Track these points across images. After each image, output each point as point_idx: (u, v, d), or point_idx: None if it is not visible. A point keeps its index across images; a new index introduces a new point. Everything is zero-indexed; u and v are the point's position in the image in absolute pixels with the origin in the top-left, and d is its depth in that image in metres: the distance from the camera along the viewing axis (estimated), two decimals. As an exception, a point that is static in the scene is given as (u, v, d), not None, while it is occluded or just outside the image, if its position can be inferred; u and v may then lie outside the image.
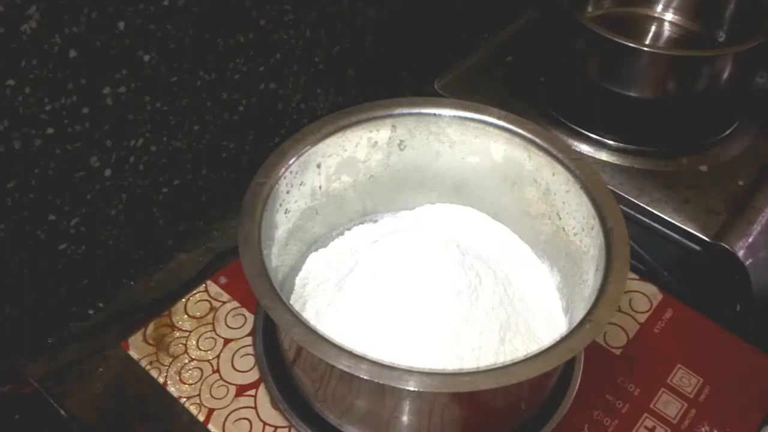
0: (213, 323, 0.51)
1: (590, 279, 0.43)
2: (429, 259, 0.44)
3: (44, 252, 0.48)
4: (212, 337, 0.51)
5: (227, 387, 0.48)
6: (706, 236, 0.56)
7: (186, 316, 0.52)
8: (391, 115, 0.49)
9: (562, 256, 0.49)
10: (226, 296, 0.53)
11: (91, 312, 0.54)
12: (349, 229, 0.54)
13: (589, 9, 0.76)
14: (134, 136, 0.50)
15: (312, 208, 0.50)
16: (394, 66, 0.72)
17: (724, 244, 0.55)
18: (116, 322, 0.53)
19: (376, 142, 0.50)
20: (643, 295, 0.54)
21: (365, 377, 0.35)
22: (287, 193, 0.46)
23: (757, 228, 0.57)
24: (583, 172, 0.46)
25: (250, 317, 0.52)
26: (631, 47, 0.59)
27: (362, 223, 0.55)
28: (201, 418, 0.46)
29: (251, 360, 0.49)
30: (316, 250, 0.52)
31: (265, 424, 0.46)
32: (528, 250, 0.52)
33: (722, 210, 0.58)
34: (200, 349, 0.50)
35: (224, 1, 0.50)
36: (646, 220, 0.59)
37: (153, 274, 0.57)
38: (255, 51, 0.55)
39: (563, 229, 0.48)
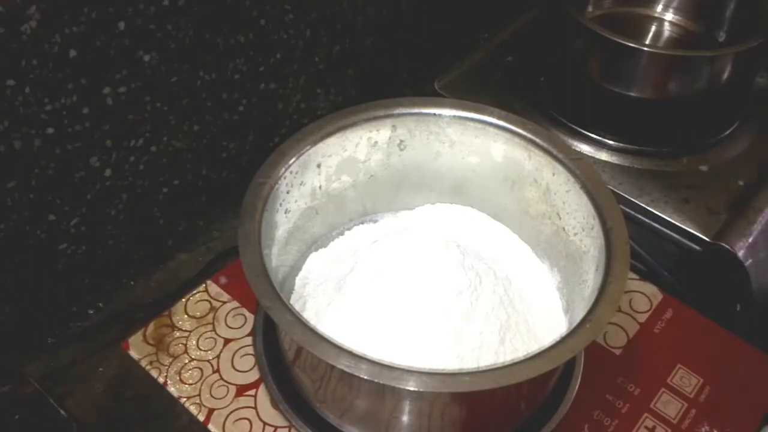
0: (213, 323, 0.51)
1: (590, 279, 0.43)
2: (429, 259, 0.44)
3: (44, 252, 0.48)
4: (212, 337, 0.51)
5: (227, 387, 0.48)
6: (706, 236, 0.56)
7: (186, 316, 0.52)
8: (391, 115, 0.49)
9: (562, 256, 0.49)
10: (226, 296, 0.53)
11: (91, 312, 0.54)
12: (349, 229, 0.54)
13: (589, 9, 0.76)
14: (134, 136, 0.50)
15: (312, 208, 0.50)
16: (394, 66, 0.72)
17: (724, 244, 0.55)
18: (116, 322, 0.53)
19: (376, 142, 0.50)
20: (643, 295, 0.54)
21: (365, 377, 0.35)
22: (287, 193, 0.46)
23: (757, 228, 0.57)
24: (583, 172, 0.46)
25: (250, 317, 0.52)
26: (631, 47, 0.59)
27: (362, 223, 0.55)
28: (201, 418, 0.46)
29: (251, 360, 0.49)
30: (316, 250, 0.52)
31: (265, 424, 0.46)
32: (528, 250, 0.52)
33: (722, 210, 0.58)
34: (200, 349, 0.50)
35: (224, 1, 0.50)
36: (646, 220, 0.59)
37: (153, 274, 0.57)
38: (255, 51, 0.55)
39: (563, 229, 0.48)
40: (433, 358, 0.41)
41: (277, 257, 0.45)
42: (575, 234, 0.47)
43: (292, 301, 0.48)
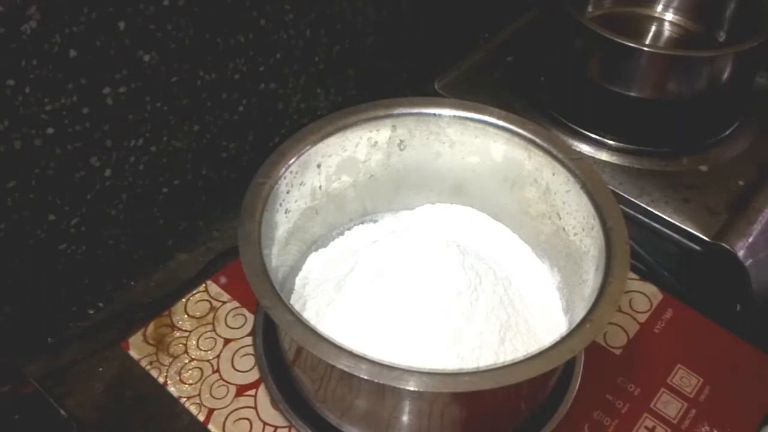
0: (213, 323, 0.51)
1: (590, 279, 0.43)
2: (429, 259, 0.44)
3: (44, 252, 0.48)
4: (212, 337, 0.51)
5: (227, 387, 0.48)
6: (706, 236, 0.56)
7: (186, 316, 0.52)
8: (391, 115, 0.49)
9: (562, 256, 0.49)
10: (226, 296, 0.53)
11: (91, 312, 0.54)
12: (349, 229, 0.54)
13: (589, 9, 0.76)
14: (134, 136, 0.50)
15: (312, 208, 0.50)
16: (394, 66, 0.72)
17: (724, 244, 0.55)
18: (116, 322, 0.53)
19: (376, 142, 0.50)
20: (643, 295, 0.54)
21: (365, 377, 0.35)
22: (287, 193, 0.46)
23: (757, 228, 0.57)
24: (583, 172, 0.46)
25: (250, 317, 0.52)
26: (631, 47, 0.59)
27: (362, 223, 0.55)
28: (201, 418, 0.46)
29: (251, 360, 0.49)
30: (316, 250, 0.52)
31: (265, 424, 0.46)
32: (528, 250, 0.52)
33: (722, 210, 0.58)
34: (200, 349, 0.50)
35: (224, 1, 0.50)
36: (646, 220, 0.59)
37: (153, 274, 0.57)
38: (255, 51, 0.55)
39: (563, 229, 0.48)
40: (433, 358, 0.41)
41: (277, 257, 0.45)
42: (575, 234, 0.47)
43: (292, 301, 0.48)
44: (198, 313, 0.52)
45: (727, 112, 0.67)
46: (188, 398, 0.47)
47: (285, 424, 0.46)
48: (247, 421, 0.46)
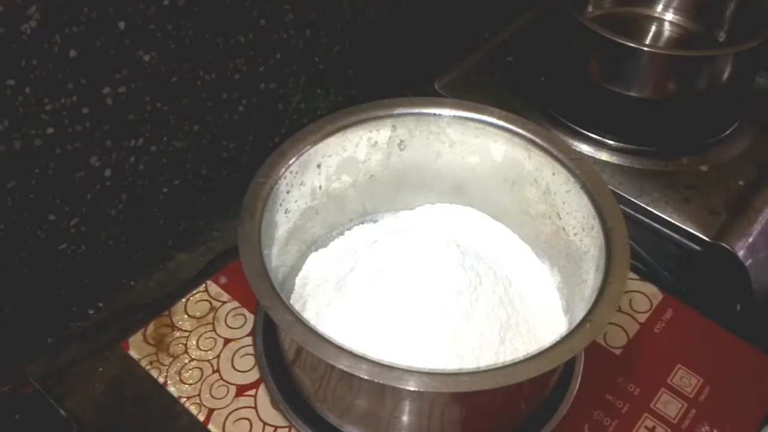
0: (213, 323, 0.51)
1: (590, 279, 0.43)
2: (429, 259, 0.44)
3: (44, 252, 0.48)
4: (212, 337, 0.51)
5: (227, 387, 0.48)
6: (706, 236, 0.56)
7: (186, 316, 0.52)
8: (391, 115, 0.49)
9: (562, 256, 0.49)
10: (226, 296, 0.53)
11: (91, 312, 0.54)
12: (349, 229, 0.54)
13: (589, 9, 0.76)
14: (134, 136, 0.50)
15: (312, 208, 0.50)
16: (394, 66, 0.72)
17: (724, 244, 0.55)
18: (116, 322, 0.53)
19: (376, 142, 0.50)
20: (643, 295, 0.54)
21: (365, 377, 0.35)
22: (287, 193, 0.46)
23: (757, 228, 0.57)
24: (583, 172, 0.46)
25: (250, 317, 0.52)
26: (631, 47, 0.59)
27: (362, 223, 0.55)
28: (201, 418, 0.46)
29: (251, 360, 0.49)
30: (316, 250, 0.52)
31: (265, 424, 0.46)
32: (528, 250, 0.52)
33: (722, 210, 0.58)
34: (200, 349, 0.50)
35: (224, 1, 0.50)
36: (646, 220, 0.59)
37: (153, 274, 0.57)
38: (255, 51, 0.55)
39: (563, 229, 0.48)
40: (433, 358, 0.41)
41: (277, 257, 0.45)
42: (575, 234, 0.47)
43: (292, 301, 0.48)
44: (198, 313, 0.52)
45: (727, 112, 0.67)
46: (188, 398, 0.47)
47: (285, 424, 0.46)
48: (247, 421, 0.46)
